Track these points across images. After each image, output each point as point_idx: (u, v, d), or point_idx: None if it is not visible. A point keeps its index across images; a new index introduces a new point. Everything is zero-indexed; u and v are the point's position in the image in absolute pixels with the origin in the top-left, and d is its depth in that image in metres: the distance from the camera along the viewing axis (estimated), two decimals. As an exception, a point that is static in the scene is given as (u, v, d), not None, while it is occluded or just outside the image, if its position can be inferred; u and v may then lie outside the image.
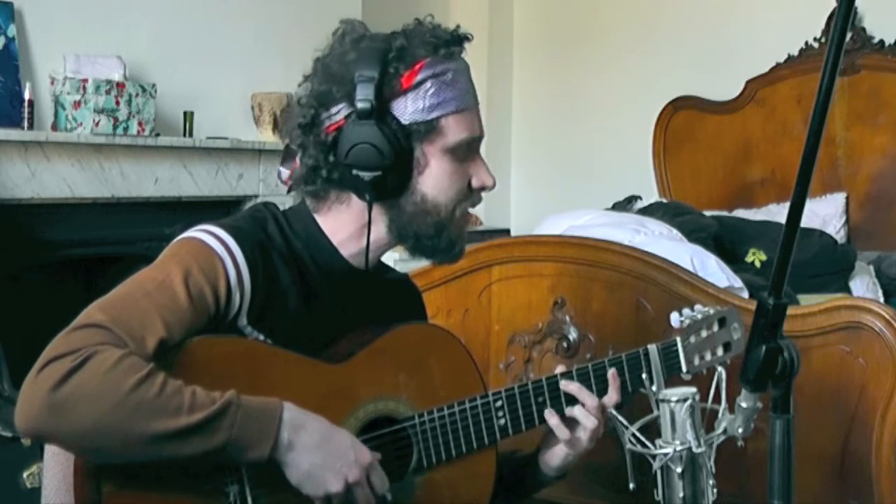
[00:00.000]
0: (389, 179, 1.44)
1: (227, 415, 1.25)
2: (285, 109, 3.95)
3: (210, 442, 1.24)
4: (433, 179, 1.47)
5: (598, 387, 1.56)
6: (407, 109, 1.43)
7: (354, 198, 1.47)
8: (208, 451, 1.25)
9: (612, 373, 1.56)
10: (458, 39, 1.48)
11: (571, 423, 1.56)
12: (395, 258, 2.89)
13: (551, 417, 1.54)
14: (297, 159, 1.49)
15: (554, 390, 1.55)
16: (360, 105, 1.40)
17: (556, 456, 1.59)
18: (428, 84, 1.43)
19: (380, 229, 1.49)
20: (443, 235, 1.50)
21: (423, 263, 1.69)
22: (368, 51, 1.42)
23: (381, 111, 1.41)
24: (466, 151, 1.49)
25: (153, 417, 1.22)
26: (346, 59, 1.44)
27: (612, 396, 1.55)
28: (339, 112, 1.44)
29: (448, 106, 1.45)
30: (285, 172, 1.52)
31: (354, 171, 1.42)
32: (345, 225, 1.50)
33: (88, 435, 1.21)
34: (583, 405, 1.54)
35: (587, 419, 1.53)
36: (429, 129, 1.44)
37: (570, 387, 1.54)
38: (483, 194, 1.54)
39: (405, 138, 1.43)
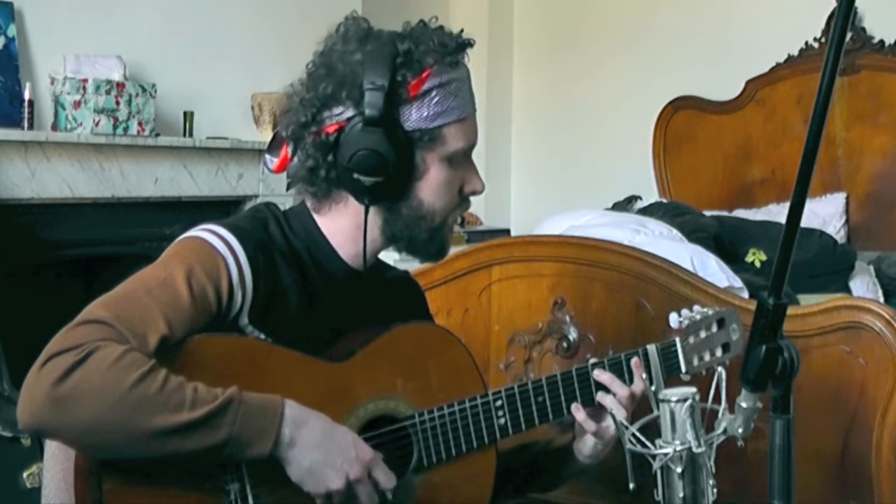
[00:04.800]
0: (389, 185, 1.44)
1: (229, 411, 1.26)
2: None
3: (212, 438, 1.25)
4: (431, 186, 1.48)
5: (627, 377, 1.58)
6: (411, 117, 1.44)
7: (351, 198, 1.48)
8: (210, 448, 1.25)
9: (635, 361, 1.57)
10: (462, 46, 1.48)
11: (598, 414, 1.57)
12: (394, 258, 2.89)
13: (578, 412, 1.56)
14: (289, 151, 1.49)
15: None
16: (368, 112, 1.40)
17: (586, 445, 1.61)
18: (433, 93, 1.44)
19: (373, 231, 1.50)
20: (435, 240, 1.52)
21: (419, 264, 1.70)
22: (377, 55, 1.42)
23: (386, 118, 1.41)
24: (461, 158, 1.50)
25: (155, 413, 1.22)
26: (352, 60, 1.44)
27: (637, 385, 1.56)
28: (342, 113, 1.44)
29: (451, 115, 1.46)
30: (272, 161, 1.52)
31: (355, 175, 1.43)
32: (342, 226, 1.50)
33: (90, 430, 1.22)
34: (614, 395, 1.55)
35: (617, 408, 1.54)
36: (431, 137, 1.45)
37: (602, 376, 1.56)
38: (481, 195, 1.55)
39: (407, 145, 1.44)
